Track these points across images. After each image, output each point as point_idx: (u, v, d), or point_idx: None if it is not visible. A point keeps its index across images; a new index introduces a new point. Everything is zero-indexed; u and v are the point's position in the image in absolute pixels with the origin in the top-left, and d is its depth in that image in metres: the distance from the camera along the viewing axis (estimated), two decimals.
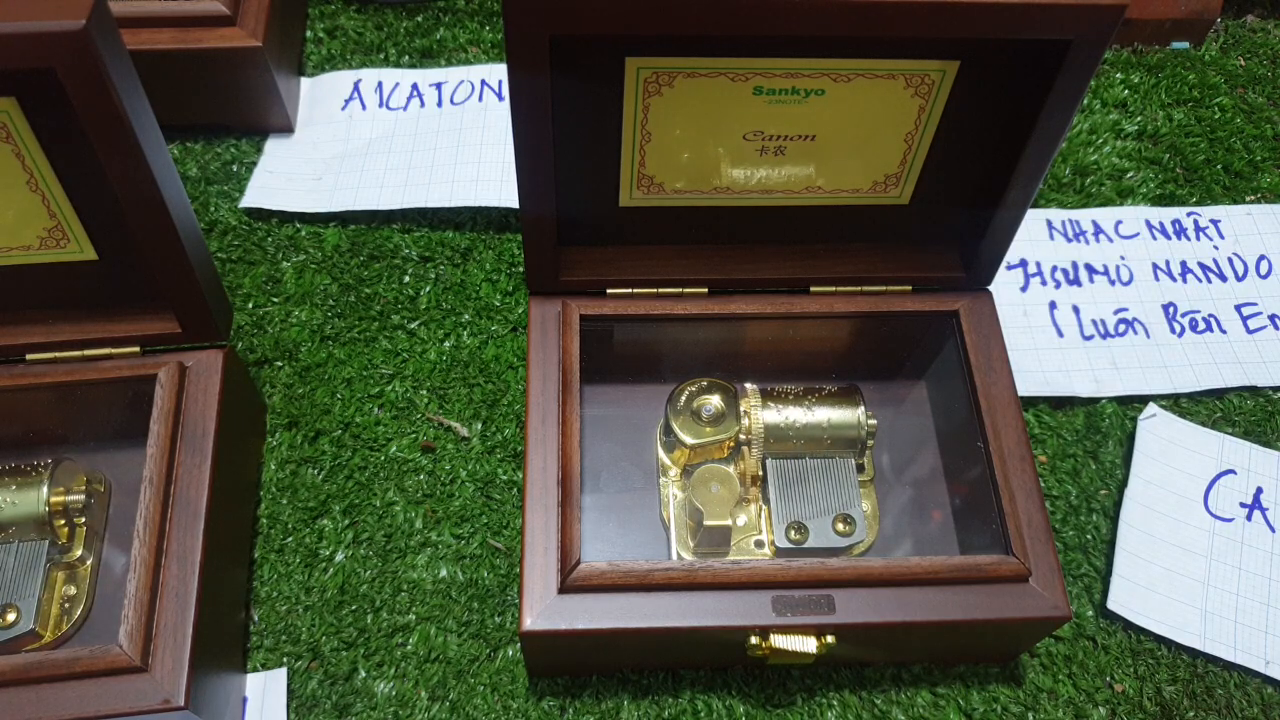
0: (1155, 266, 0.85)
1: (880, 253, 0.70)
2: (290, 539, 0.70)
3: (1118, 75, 0.96)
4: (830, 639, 0.59)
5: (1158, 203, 0.89)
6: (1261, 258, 0.86)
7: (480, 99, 0.91)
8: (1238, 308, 0.83)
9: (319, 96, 0.92)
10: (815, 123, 0.60)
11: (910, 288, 0.70)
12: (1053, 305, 0.82)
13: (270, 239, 0.84)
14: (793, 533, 0.65)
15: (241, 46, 0.81)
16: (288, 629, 0.67)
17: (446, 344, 0.79)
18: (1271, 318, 0.83)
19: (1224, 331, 0.82)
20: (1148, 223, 0.87)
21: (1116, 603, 0.68)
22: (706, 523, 0.63)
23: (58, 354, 0.65)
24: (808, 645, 0.58)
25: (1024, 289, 0.83)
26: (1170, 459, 0.74)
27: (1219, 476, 0.74)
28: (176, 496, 0.61)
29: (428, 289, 0.81)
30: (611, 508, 0.69)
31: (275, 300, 0.80)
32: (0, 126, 0.55)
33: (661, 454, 0.70)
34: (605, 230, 0.68)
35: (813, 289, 0.69)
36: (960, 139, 0.62)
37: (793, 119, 0.60)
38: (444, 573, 0.69)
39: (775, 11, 0.51)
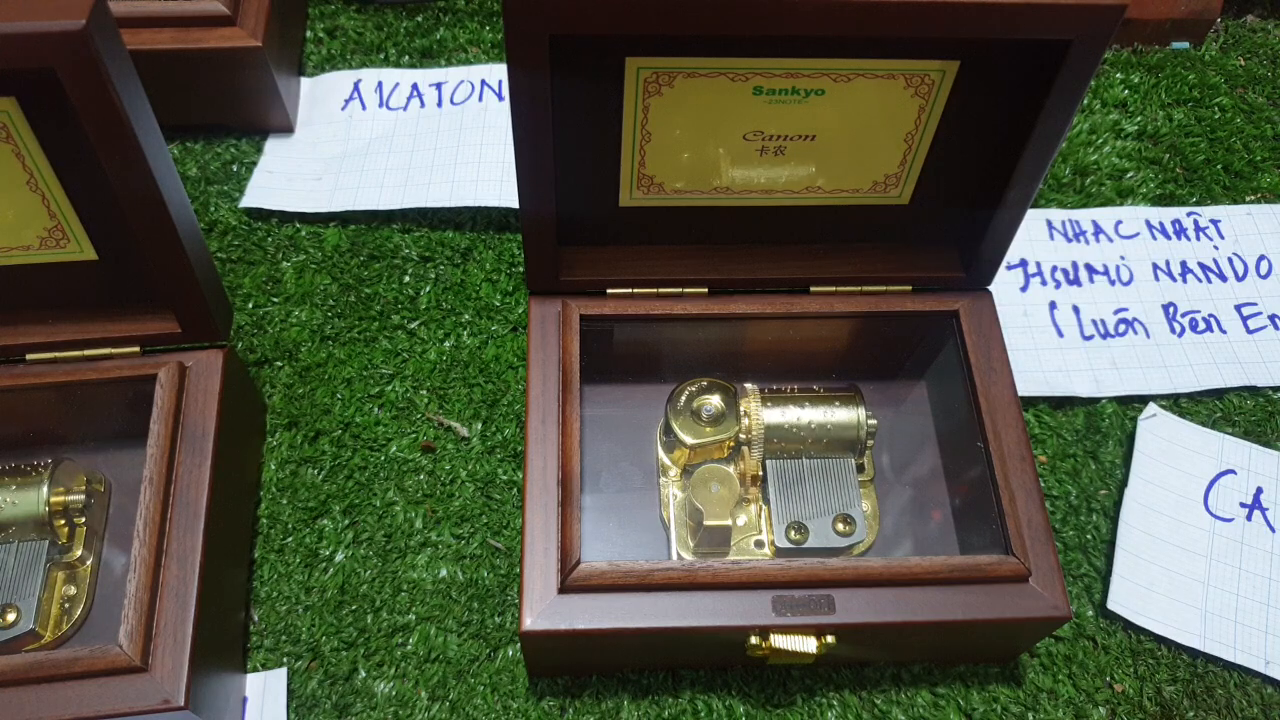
0: (1155, 266, 0.85)
1: (880, 253, 0.70)
2: (290, 539, 0.70)
3: (1118, 75, 0.96)
4: (830, 639, 0.59)
5: (1158, 203, 0.89)
6: (1261, 258, 0.86)
7: (480, 99, 0.91)
8: (1238, 308, 0.83)
9: (319, 96, 0.92)
10: (815, 123, 0.60)
11: (910, 288, 0.70)
12: (1053, 305, 0.82)
13: (270, 239, 0.84)
14: (793, 533, 0.65)
15: (241, 46, 0.81)
16: (288, 629, 0.67)
17: (446, 344, 0.79)
18: (1271, 318, 0.83)
19: (1224, 331, 0.82)
20: (1148, 223, 0.87)
21: (1116, 603, 0.68)
22: (706, 523, 0.63)
23: (58, 354, 0.65)
24: (808, 645, 0.58)
25: (1024, 289, 0.83)
26: (1170, 459, 0.74)
27: (1219, 476, 0.74)
28: (176, 496, 0.61)
29: (428, 289, 0.81)
30: (611, 508, 0.69)
31: (275, 300, 0.80)
32: (0, 126, 0.55)
33: (661, 454, 0.70)
34: (605, 230, 0.68)
35: (813, 289, 0.69)
36: (960, 139, 0.62)
37: (793, 119, 0.60)
38: (444, 573, 0.69)
39: (775, 11, 0.51)
